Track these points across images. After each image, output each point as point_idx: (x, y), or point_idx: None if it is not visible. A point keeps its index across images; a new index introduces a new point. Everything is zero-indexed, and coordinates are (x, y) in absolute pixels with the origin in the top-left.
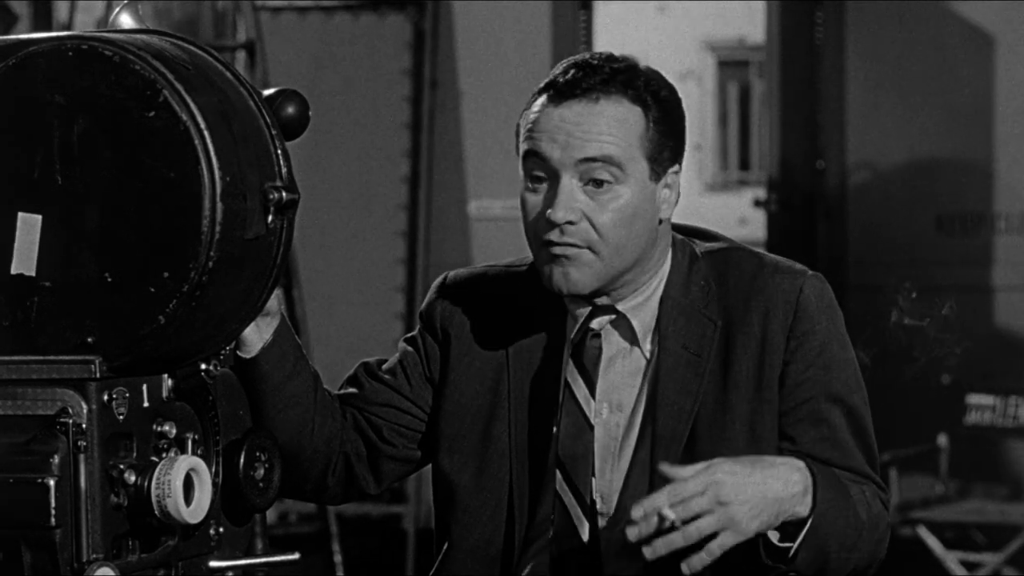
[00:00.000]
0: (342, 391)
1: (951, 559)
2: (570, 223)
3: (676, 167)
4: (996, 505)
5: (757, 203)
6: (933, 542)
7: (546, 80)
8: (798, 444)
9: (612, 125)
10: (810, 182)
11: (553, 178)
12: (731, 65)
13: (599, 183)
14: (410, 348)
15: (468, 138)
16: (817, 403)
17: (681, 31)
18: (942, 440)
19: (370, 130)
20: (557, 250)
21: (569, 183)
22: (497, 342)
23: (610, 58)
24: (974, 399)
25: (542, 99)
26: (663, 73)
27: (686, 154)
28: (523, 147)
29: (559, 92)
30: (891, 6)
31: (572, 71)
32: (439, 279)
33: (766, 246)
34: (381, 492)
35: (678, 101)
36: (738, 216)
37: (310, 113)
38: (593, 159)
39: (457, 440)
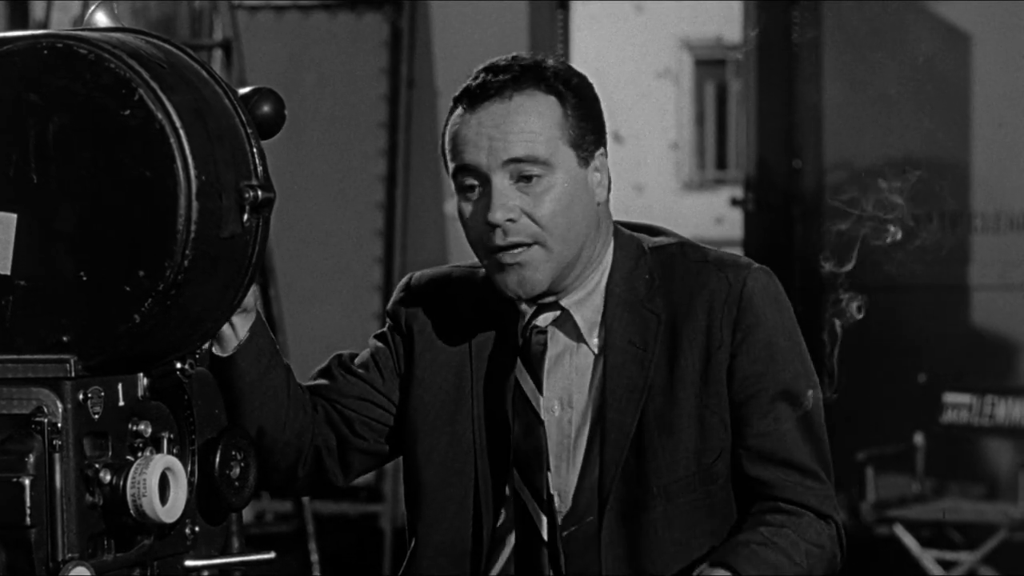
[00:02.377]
0: (314, 382)
1: (927, 558)
2: (511, 221)
3: (601, 150)
4: (972, 504)
5: (734, 202)
6: (909, 541)
7: (460, 90)
8: (744, 438)
9: (530, 119)
10: (787, 181)
11: (485, 183)
12: (708, 64)
13: (528, 178)
14: (381, 344)
15: None
16: (764, 397)
17: (658, 30)
18: (918, 439)
19: (347, 129)
20: (507, 257)
21: (501, 183)
22: (459, 341)
23: (516, 57)
24: (950, 398)
25: (458, 110)
26: (637, 72)
27: (662, 153)
28: (452, 164)
29: (473, 98)
30: (868, 5)
31: (482, 75)
32: (404, 279)
33: (743, 245)
34: (348, 484)
35: (590, 86)
36: (715, 215)
37: (286, 112)
38: (519, 159)
39: (423, 437)
